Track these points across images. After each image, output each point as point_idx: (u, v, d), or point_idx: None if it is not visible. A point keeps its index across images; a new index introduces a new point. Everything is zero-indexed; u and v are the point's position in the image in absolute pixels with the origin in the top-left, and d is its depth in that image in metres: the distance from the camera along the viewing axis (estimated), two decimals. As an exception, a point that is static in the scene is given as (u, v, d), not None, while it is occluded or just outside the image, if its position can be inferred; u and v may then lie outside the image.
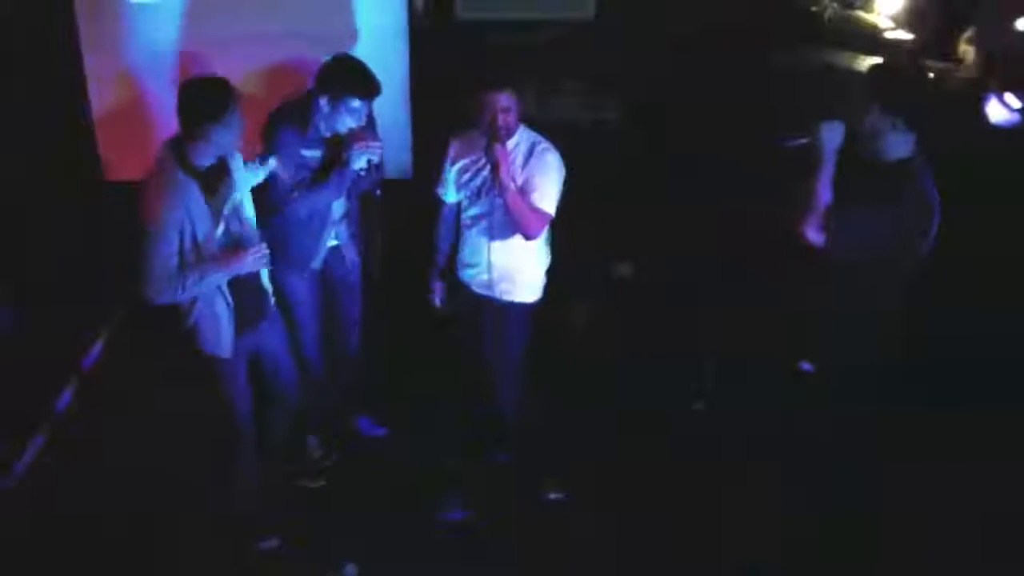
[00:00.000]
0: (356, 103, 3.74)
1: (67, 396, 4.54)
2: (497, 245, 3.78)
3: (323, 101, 3.73)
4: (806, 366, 4.21)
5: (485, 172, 3.69)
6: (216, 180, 3.44)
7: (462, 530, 3.92)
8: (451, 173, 3.87)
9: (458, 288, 3.99)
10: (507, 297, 3.86)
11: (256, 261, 3.52)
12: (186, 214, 3.32)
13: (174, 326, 3.56)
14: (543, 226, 3.69)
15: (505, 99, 3.60)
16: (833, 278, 3.58)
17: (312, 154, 3.80)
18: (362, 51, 4.88)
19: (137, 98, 5.17)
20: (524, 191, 3.63)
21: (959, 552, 3.64)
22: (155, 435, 4.20)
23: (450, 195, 3.91)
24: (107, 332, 4.93)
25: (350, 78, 3.75)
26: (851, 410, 3.89)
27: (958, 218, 3.90)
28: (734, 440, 4.20)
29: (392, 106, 4.85)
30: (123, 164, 5.34)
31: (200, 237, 3.36)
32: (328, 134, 3.80)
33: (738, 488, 4.00)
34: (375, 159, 3.82)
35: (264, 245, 3.57)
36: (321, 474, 4.21)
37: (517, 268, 3.83)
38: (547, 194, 3.66)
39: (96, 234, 5.04)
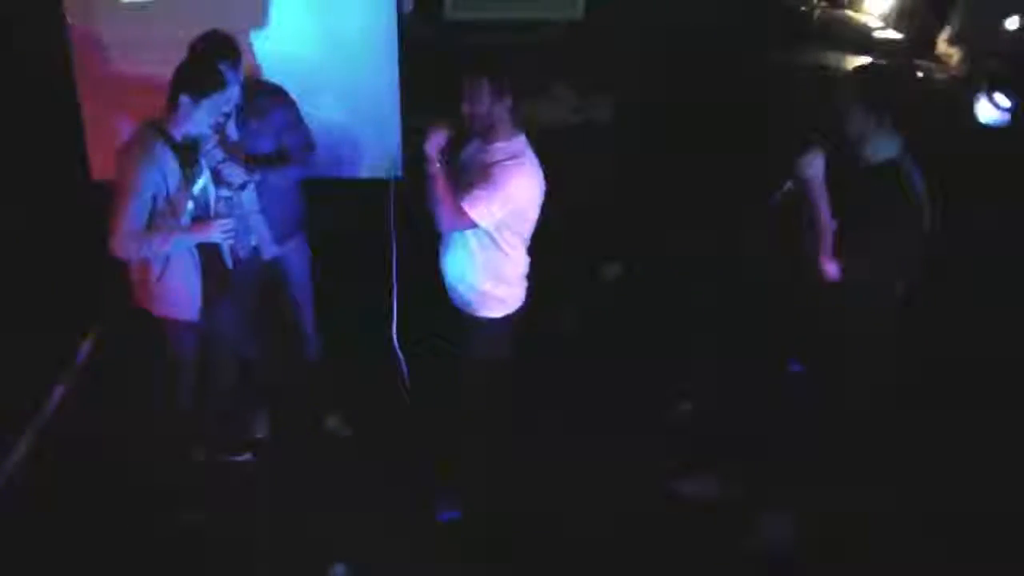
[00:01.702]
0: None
1: (58, 394, 4.54)
2: (453, 248, 3.68)
3: None
4: (796, 367, 4.24)
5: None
6: (189, 156, 3.57)
7: (458, 530, 3.92)
8: None
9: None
10: (465, 308, 3.73)
11: (221, 232, 3.62)
12: (161, 178, 3.45)
13: (138, 285, 3.65)
14: (455, 224, 3.50)
15: (475, 86, 3.43)
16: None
17: None
18: (351, 51, 4.90)
19: (127, 98, 5.18)
20: (464, 186, 3.49)
21: (954, 551, 3.65)
22: (148, 432, 4.19)
23: None
24: (98, 329, 4.94)
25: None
26: (842, 409, 3.91)
27: (953, 218, 3.93)
28: (722, 440, 4.21)
29: (382, 106, 4.87)
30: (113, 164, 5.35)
31: (172, 203, 3.49)
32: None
33: (728, 487, 4.01)
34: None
35: (231, 220, 3.66)
36: (248, 448, 4.25)
37: (464, 276, 3.68)
38: (479, 199, 3.45)
39: (88, 233, 5.05)
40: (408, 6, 5.21)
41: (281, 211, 4.11)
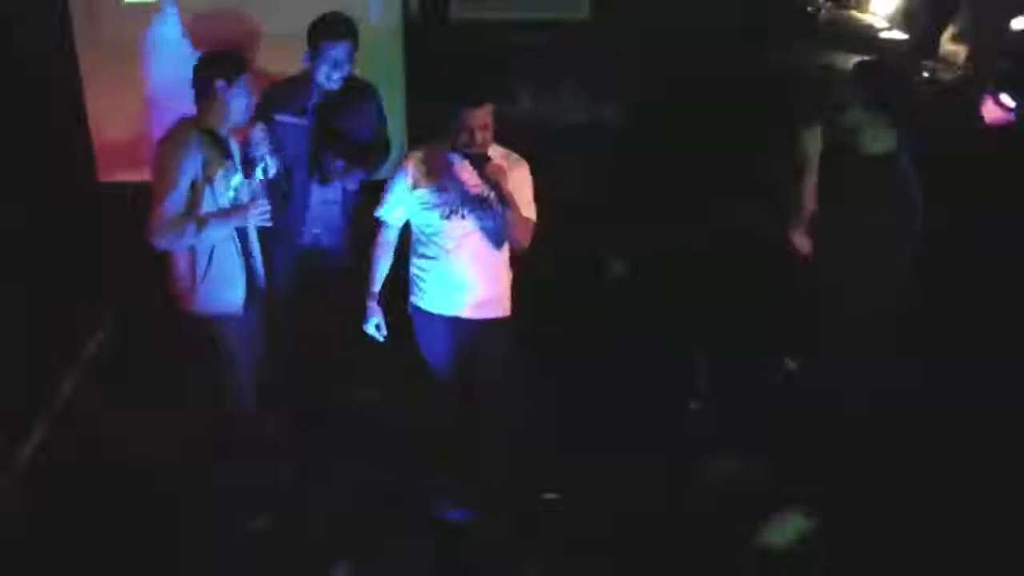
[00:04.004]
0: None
1: (66, 393, 4.54)
2: (484, 263, 3.68)
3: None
4: (790, 364, 4.25)
5: (471, 190, 3.55)
6: (225, 150, 3.59)
7: (459, 529, 3.91)
8: (415, 194, 3.63)
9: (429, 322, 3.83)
10: (485, 313, 3.74)
11: (258, 216, 3.62)
12: (199, 168, 3.47)
13: (181, 285, 3.62)
14: (529, 238, 3.63)
15: (486, 114, 3.47)
16: (822, 274, 3.62)
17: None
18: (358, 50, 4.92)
19: (132, 98, 5.19)
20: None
21: (955, 550, 3.65)
22: (154, 431, 4.20)
23: (401, 218, 3.72)
24: (105, 329, 4.94)
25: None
26: (844, 408, 3.92)
27: (954, 217, 3.94)
28: (730, 439, 4.21)
29: (388, 106, 4.87)
30: (117, 164, 5.38)
31: (209, 193, 3.50)
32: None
33: (734, 487, 4.01)
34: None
35: (266, 203, 3.66)
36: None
37: (489, 277, 3.72)
38: (531, 203, 3.63)
39: (93, 232, 5.06)
40: (415, 6, 5.22)
41: (347, 202, 4.22)
